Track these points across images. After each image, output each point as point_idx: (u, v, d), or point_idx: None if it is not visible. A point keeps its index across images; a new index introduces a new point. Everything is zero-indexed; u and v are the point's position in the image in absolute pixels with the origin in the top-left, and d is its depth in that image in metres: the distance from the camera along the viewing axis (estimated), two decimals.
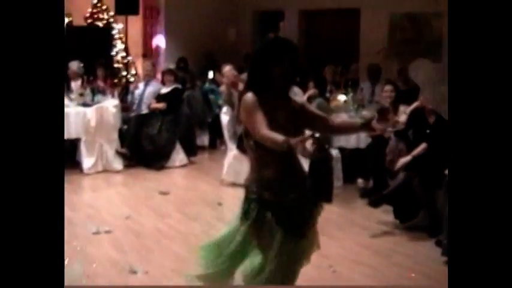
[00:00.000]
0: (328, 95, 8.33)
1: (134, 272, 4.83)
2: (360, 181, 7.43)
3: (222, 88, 9.25)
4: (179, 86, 9.44)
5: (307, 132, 3.16)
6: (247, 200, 3.19)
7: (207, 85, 10.92)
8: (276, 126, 2.96)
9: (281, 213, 3.12)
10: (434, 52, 9.64)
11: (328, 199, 3.47)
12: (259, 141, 2.96)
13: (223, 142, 9.03)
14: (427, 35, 10.11)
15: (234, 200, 7.11)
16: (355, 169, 7.53)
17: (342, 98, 8.49)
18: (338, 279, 4.68)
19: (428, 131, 5.95)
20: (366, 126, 3.21)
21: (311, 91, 7.83)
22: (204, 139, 10.39)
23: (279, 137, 2.82)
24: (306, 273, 4.75)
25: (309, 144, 2.88)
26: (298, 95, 8.35)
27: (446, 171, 5.52)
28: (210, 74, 10.98)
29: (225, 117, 7.85)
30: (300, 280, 4.62)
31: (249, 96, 3.04)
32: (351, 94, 8.58)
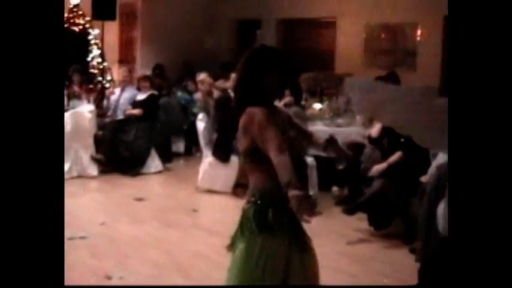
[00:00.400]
0: (303, 102, 8.38)
1: (109, 278, 4.81)
2: (335, 189, 7.48)
3: (198, 96, 9.26)
4: (155, 93, 9.42)
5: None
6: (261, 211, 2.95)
7: (179, 93, 10.92)
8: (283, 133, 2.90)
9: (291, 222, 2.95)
10: (409, 61, 9.78)
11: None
12: (273, 163, 2.75)
13: (198, 149, 9.02)
14: (402, 44, 10.25)
15: (209, 207, 7.15)
16: (331, 177, 7.58)
17: (317, 106, 8.57)
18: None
19: (402, 139, 6.02)
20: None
21: (287, 99, 7.85)
22: (179, 146, 10.38)
23: (292, 173, 2.65)
24: None
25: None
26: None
27: (422, 179, 5.60)
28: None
29: (200, 124, 7.85)
30: None
31: (259, 110, 2.87)
32: (327, 102, 8.66)
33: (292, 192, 2.56)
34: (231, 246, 3.09)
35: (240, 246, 2.99)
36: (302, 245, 3.05)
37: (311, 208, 2.63)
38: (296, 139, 3.17)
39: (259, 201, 2.95)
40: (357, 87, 2.96)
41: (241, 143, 2.96)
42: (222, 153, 7.46)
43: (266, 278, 2.88)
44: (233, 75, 7.65)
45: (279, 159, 2.74)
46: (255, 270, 2.89)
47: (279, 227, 2.90)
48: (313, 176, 7.29)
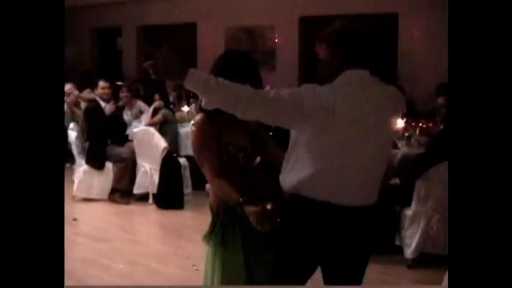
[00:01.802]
0: (172, 106, 8.64)
1: None
2: (208, 186, 7.72)
3: (64, 108, 9.20)
4: None
5: None
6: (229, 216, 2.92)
7: None
8: (236, 147, 2.90)
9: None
10: (269, 61, 10.30)
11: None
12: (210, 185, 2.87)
13: (68, 160, 8.83)
14: (261, 46, 10.72)
15: (88, 215, 7.19)
16: (203, 175, 7.83)
17: (185, 109, 8.85)
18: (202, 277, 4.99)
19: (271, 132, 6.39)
20: None
21: (157, 103, 8.09)
22: None
23: (232, 195, 2.73)
24: (173, 274, 5.07)
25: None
26: (145, 110, 8.59)
27: None
28: None
29: (72, 134, 7.86)
30: (168, 281, 4.91)
31: (198, 127, 2.89)
32: (193, 104, 8.98)
33: (248, 209, 2.63)
34: (206, 238, 3.00)
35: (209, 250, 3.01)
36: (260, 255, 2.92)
37: (270, 219, 2.60)
38: (260, 148, 3.08)
39: (215, 217, 2.96)
40: None
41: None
42: (95, 161, 7.53)
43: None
44: (101, 83, 7.76)
45: (213, 184, 2.84)
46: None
47: (233, 242, 2.89)
48: (186, 176, 7.58)
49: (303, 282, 2.79)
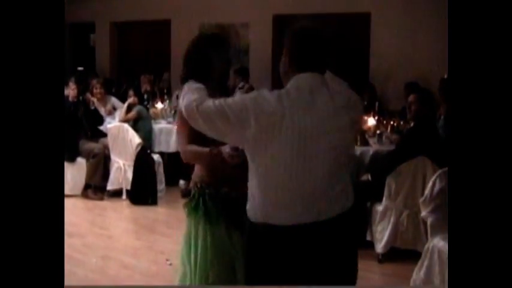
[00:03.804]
0: (146, 103, 8.64)
1: None
2: (181, 182, 7.78)
3: None
4: None
5: None
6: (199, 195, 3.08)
7: None
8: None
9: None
10: (242, 60, 10.34)
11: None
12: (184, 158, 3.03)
13: None
14: (236, 43, 10.74)
15: None
16: (177, 172, 7.88)
17: (159, 105, 8.86)
18: (175, 270, 5.02)
19: None
20: None
21: (131, 99, 8.09)
22: None
23: (203, 150, 2.90)
24: (146, 268, 5.11)
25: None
26: (118, 106, 8.58)
27: None
28: None
29: None
30: (141, 275, 4.94)
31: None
32: (167, 101, 8.99)
33: (221, 150, 2.80)
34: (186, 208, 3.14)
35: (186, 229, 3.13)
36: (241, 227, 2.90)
37: (238, 153, 2.73)
38: None
39: (196, 191, 3.08)
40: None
41: None
42: (67, 154, 7.50)
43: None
44: (71, 83, 7.78)
45: (185, 149, 2.99)
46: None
47: (216, 214, 3.01)
48: (160, 172, 7.61)
49: None
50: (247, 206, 2.56)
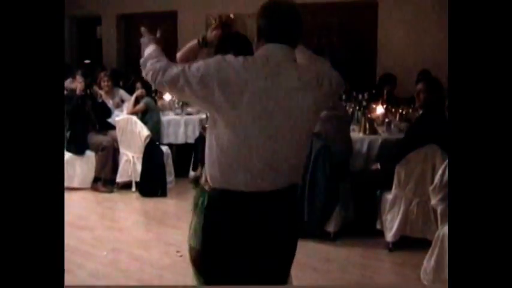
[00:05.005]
0: (154, 95, 8.63)
1: None
2: (192, 174, 7.79)
3: None
4: None
5: None
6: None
7: None
8: None
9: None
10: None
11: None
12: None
13: None
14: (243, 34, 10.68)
15: (71, 203, 7.15)
16: (186, 163, 7.90)
17: (167, 97, 8.84)
18: (186, 262, 5.02)
19: None
20: None
21: (139, 91, 8.08)
22: None
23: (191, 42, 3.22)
24: (155, 260, 5.11)
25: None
26: (126, 99, 8.59)
27: None
28: None
29: None
30: (152, 267, 4.95)
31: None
32: None
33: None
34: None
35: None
36: None
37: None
38: None
39: (206, 187, 3.03)
40: None
41: None
42: (75, 146, 7.53)
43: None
44: (78, 77, 7.78)
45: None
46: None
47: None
48: (169, 164, 7.62)
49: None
50: (208, 172, 2.58)
